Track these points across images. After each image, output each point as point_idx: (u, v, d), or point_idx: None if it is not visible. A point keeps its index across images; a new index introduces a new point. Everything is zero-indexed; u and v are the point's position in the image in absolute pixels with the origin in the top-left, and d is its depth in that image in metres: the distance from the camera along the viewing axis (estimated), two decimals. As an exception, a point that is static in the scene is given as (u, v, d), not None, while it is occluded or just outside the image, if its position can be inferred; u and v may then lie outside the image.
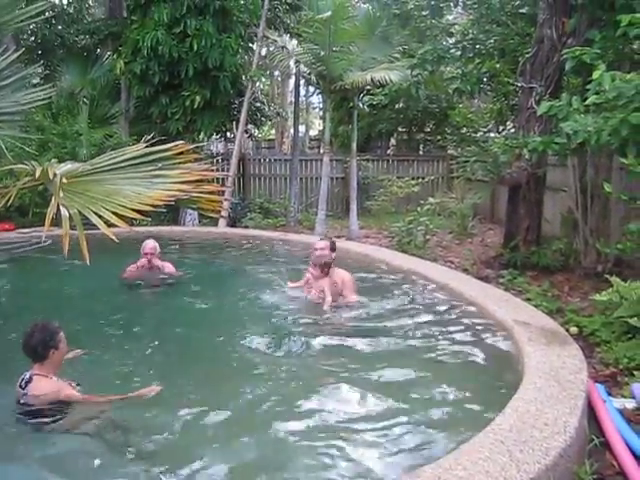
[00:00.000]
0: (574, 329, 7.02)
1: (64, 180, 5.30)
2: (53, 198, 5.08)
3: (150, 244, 8.43)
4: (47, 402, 4.42)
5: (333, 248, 7.53)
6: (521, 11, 11.84)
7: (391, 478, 3.48)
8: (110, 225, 5.03)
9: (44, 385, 4.47)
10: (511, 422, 3.82)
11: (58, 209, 4.96)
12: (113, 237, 4.90)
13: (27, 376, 4.51)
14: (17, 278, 9.18)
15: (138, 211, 5.27)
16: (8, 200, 5.50)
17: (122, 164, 5.99)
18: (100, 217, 5.07)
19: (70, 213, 4.96)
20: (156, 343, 6.31)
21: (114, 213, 5.15)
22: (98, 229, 4.98)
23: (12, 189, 5.59)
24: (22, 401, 4.46)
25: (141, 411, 4.58)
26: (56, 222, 4.89)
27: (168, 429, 4.39)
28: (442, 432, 4.22)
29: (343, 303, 7.16)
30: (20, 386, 4.50)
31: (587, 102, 7.12)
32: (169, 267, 8.55)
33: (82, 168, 5.96)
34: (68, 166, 5.99)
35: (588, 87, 7.20)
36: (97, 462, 4.03)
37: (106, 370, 5.50)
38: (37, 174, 5.36)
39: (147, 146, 6.13)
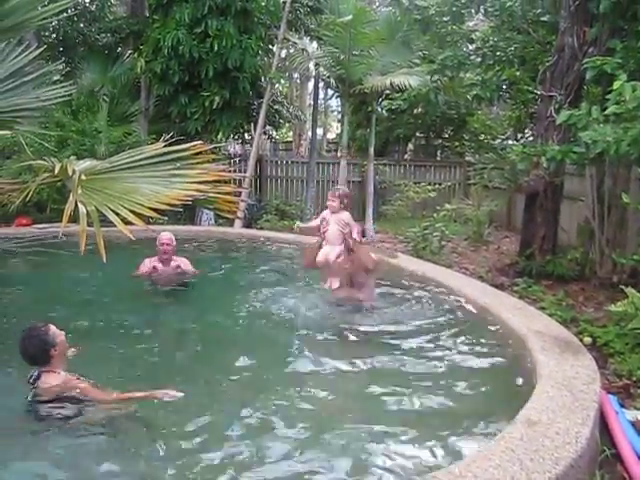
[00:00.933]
0: (588, 339, 6.98)
1: (83, 177, 5.34)
2: (71, 195, 5.11)
3: (167, 235, 8.36)
4: (56, 396, 4.44)
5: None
6: (542, 19, 11.79)
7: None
8: (127, 223, 5.05)
9: (53, 379, 4.49)
10: (522, 431, 3.81)
11: (76, 206, 4.99)
12: (130, 235, 4.93)
13: (35, 373, 4.54)
14: (32, 273, 9.23)
15: (155, 210, 5.30)
16: (27, 195, 5.55)
17: (141, 162, 6.02)
18: (117, 215, 5.10)
19: (88, 210, 4.99)
20: (171, 343, 6.35)
21: (131, 211, 5.18)
22: (115, 226, 5.01)
23: (31, 184, 5.64)
24: (31, 396, 4.49)
25: (155, 409, 4.60)
26: (74, 218, 4.92)
27: (182, 429, 4.41)
28: (452, 439, 4.21)
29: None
30: (29, 382, 4.53)
31: (607, 112, 7.09)
32: (185, 263, 8.46)
33: (101, 166, 6.01)
34: (87, 163, 6.04)
35: (608, 97, 7.18)
36: (107, 459, 4.06)
37: (116, 369, 5.52)
38: (56, 170, 5.40)
39: (166, 145, 6.17)
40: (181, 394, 4.65)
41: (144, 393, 4.62)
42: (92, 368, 5.11)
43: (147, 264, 8.34)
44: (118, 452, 4.15)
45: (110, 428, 4.38)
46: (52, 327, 4.65)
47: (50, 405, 4.42)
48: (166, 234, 8.38)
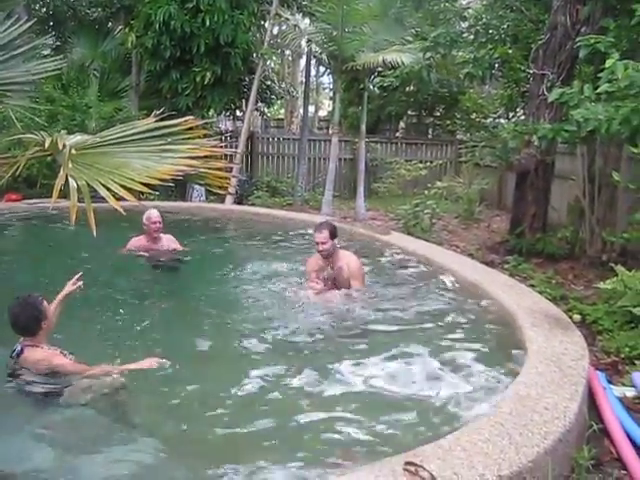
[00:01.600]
0: (577, 317, 7.03)
1: (73, 151, 5.31)
2: (62, 169, 5.09)
3: (156, 212, 8.23)
4: (39, 371, 4.41)
5: (334, 234, 6.95)
6: (535, -3, 11.77)
7: (390, 457, 3.49)
8: (118, 198, 5.03)
9: (36, 354, 4.47)
10: (511, 405, 3.84)
11: (66, 180, 4.97)
12: (121, 210, 4.92)
13: (18, 347, 4.51)
14: (21, 248, 9.19)
15: (146, 185, 5.27)
16: (16, 170, 5.52)
17: (132, 137, 5.99)
18: (108, 190, 5.08)
19: (78, 185, 4.97)
20: (156, 319, 6.33)
21: (122, 186, 5.16)
22: (106, 202, 4.99)
23: (21, 159, 5.61)
24: (14, 372, 4.46)
25: (138, 383, 4.59)
26: (64, 194, 4.90)
27: (164, 403, 4.43)
28: (443, 413, 4.25)
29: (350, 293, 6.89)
30: (11, 357, 4.50)
31: (599, 90, 7.09)
32: (172, 240, 8.41)
33: (91, 140, 5.97)
34: (77, 138, 6.00)
35: (600, 75, 7.18)
36: (90, 434, 4.06)
37: (102, 342, 5.52)
38: (46, 144, 5.37)
39: (157, 120, 6.14)
40: (166, 362, 4.66)
41: (130, 365, 4.60)
42: (79, 341, 5.14)
43: (134, 243, 8.27)
44: (98, 425, 4.15)
45: (91, 401, 4.35)
46: (44, 300, 4.63)
47: (31, 379, 4.40)
48: (155, 212, 8.24)
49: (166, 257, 8.29)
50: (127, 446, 3.94)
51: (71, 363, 4.53)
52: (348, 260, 7.00)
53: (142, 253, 8.21)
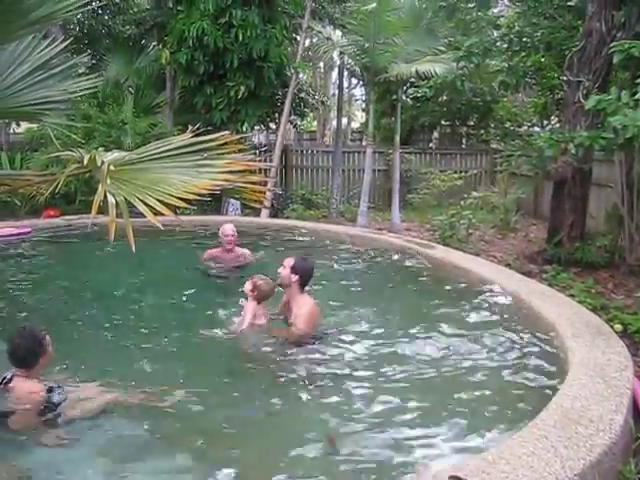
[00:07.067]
0: (618, 326, 6.92)
1: (112, 168, 5.36)
2: (100, 185, 5.13)
3: (230, 226, 8.58)
4: (24, 402, 4.34)
5: (295, 270, 6.32)
6: (569, 4, 11.67)
7: (434, 469, 3.46)
8: (156, 213, 5.07)
9: (24, 385, 4.39)
10: (555, 418, 3.79)
11: (105, 197, 5.01)
12: (159, 225, 4.95)
13: (8, 376, 4.41)
14: (63, 264, 9.27)
15: (183, 200, 5.31)
16: (56, 187, 5.58)
17: (168, 153, 6.02)
18: (146, 205, 5.11)
19: (117, 200, 5.01)
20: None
21: (160, 201, 5.19)
22: (143, 217, 5.03)
23: (60, 176, 5.67)
24: None
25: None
26: (102, 209, 4.94)
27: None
28: (485, 426, 4.20)
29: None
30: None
31: (637, 97, 7.02)
32: (247, 254, 8.69)
33: (129, 156, 6.02)
34: (115, 154, 6.05)
35: (638, 81, 7.10)
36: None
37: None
38: (85, 161, 5.42)
39: (192, 136, 6.18)
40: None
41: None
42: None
43: (210, 252, 8.67)
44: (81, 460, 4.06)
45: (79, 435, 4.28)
46: (47, 335, 4.56)
47: (14, 408, 4.32)
48: (228, 226, 8.60)
49: (237, 267, 8.51)
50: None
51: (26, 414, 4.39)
52: (302, 303, 6.28)
53: (218, 261, 8.56)
